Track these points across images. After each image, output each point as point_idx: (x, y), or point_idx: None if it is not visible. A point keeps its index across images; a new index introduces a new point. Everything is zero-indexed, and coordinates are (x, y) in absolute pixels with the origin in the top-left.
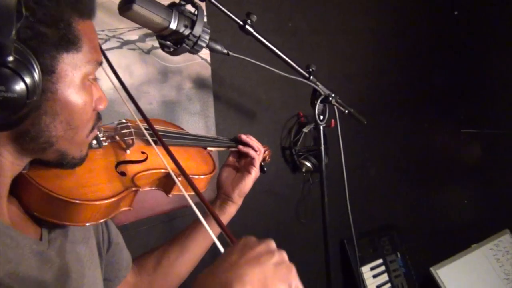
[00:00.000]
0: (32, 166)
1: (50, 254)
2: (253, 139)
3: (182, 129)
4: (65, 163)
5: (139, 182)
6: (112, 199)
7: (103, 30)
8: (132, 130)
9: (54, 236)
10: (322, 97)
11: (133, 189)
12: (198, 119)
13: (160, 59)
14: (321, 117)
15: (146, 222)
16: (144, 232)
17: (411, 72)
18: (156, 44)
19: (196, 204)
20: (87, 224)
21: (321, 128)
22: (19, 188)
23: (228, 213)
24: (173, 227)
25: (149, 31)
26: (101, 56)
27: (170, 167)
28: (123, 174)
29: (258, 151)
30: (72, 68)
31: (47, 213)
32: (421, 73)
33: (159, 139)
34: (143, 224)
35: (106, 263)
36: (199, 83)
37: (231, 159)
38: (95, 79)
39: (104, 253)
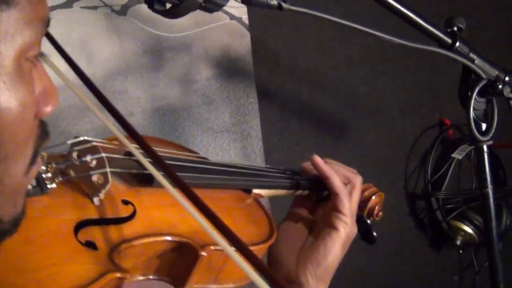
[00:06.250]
0: None
1: None
2: (338, 163)
3: (200, 155)
4: None
5: (125, 262)
6: None
7: None
8: (104, 155)
9: None
10: (482, 83)
11: (114, 275)
12: (228, 140)
13: (148, 24)
14: (484, 126)
15: None
16: None
17: None
18: None
19: None
20: None
21: (486, 149)
22: None
23: None
24: None
25: None
26: (47, 8)
27: (187, 227)
28: (90, 245)
29: (352, 185)
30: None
31: None
32: None
33: (168, 172)
34: None
35: None
36: (229, 67)
37: (296, 210)
38: (38, 57)
39: None
